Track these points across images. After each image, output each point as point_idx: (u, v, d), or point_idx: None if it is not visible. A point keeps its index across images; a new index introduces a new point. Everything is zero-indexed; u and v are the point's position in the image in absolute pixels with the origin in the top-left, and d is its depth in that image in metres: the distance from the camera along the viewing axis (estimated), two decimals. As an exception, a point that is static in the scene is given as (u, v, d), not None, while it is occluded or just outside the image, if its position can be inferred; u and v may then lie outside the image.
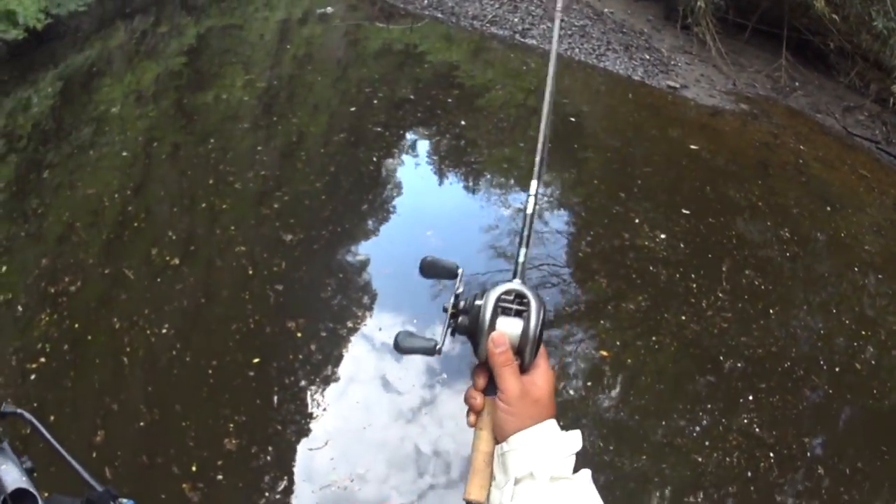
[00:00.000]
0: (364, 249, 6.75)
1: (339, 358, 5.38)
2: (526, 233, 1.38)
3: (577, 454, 1.19)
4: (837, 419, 6.00)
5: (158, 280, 5.81)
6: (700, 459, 5.19)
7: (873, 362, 6.52)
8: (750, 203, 8.15)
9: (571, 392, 5.46)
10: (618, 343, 6.00)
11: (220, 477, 4.34)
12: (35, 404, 4.57)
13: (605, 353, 5.84)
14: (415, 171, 8.40)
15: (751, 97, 11.06)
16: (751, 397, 5.79)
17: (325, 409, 4.94)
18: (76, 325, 5.27)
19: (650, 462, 5.07)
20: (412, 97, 10.07)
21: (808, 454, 5.55)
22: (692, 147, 9.12)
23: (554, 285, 6.48)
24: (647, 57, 11.45)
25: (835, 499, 5.14)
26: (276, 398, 4.95)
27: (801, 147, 9.70)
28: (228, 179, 7.22)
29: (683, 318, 6.26)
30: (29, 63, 9.20)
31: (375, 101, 9.87)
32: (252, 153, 8.02)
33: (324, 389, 5.13)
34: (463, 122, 9.43)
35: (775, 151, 9.50)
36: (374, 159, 8.30)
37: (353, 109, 9.83)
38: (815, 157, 9.59)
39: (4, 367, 4.84)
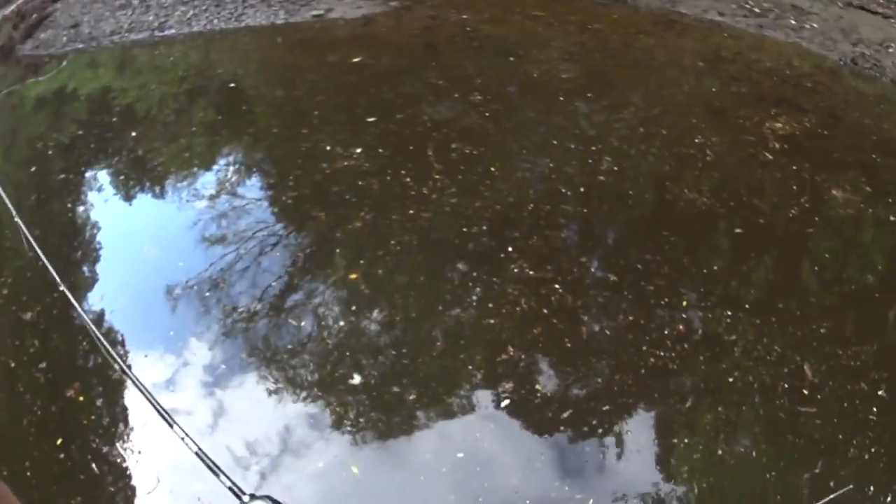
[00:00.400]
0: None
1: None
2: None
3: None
4: (604, 231, 6.45)
5: None
6: (494, 321, 5.33)
7: (615, 168, 6.95)
8: (431, 86, 8.28)
9: (340, 330, 5.42)
10: (362, 262, 5.93)
11: None
12: None
13: (353, 276, 5.78)
14: (104, 205, 7.88)
15: None
16: (510, 249, 5.93)
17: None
18: None
19: (450, 345, 5.22)
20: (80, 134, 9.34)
21: (592, 270, 5.88)
22: (354, 61, 9.07)
23: (276, 245, 6.32)
24: None
25: (636, 291, 5.56)
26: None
27: (464, 16, 9.94)
28: None
29: (412, 211, 6.32)
30: None
31: (49, 155, 9.00)
32: None
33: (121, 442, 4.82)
34: (133, 134, 8.89)
35: (438, 31, 9.70)
36: (66, 211, 7.82)
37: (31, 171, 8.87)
38: (481, 19, 9.93)
39: None
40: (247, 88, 9.37)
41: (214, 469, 2.14)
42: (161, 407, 2.29)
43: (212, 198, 7.22)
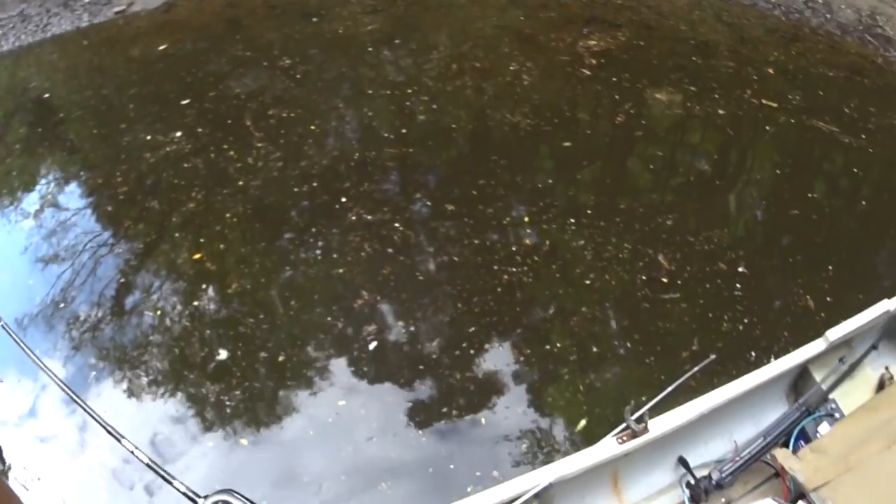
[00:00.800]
0: None
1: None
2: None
3: None
4: (433, 166, 6.66)
5: None
6: (343, 270, 5.48)
7: (434, 106, 7.22)
8: (238, 59, 8.28)
9: (196, 311, 5.42)
10: (202, 241, 5.93)
11: None
12: None
13: (197, 255, 5.79)
14: None
15: None
16: (344, 199, 6.08)
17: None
18: None
19: (306, 301, 5.32)
20: None
21: (429, 204, 6.06)
22: (160, 49, 8.92)
23: (112, 246, 6.24)
24: (87, 0, 10.44)
25: (476, 216, 5.78)
26: None
27: None
28: None
29: (241, 182, 6.36)
30: None
31: None
32: None
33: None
34: None
35: (240, 5, 9.70)
36: None
37: None
38: None
39: None
40: (58, 99, 9.10)
41: (167, 477, 2.15)
42: (104, 422, 2.30)
43: (37, 215, 7.03)
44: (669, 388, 2.86)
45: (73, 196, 7.37)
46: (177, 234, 6.02)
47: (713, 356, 3.15)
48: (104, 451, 4.63)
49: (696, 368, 3.02)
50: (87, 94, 8.89)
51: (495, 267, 5.32)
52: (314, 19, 8.88)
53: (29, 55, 10.69)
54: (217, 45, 8.79)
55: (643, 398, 3.13)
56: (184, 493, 2.09)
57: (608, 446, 2.78)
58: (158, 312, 5.46)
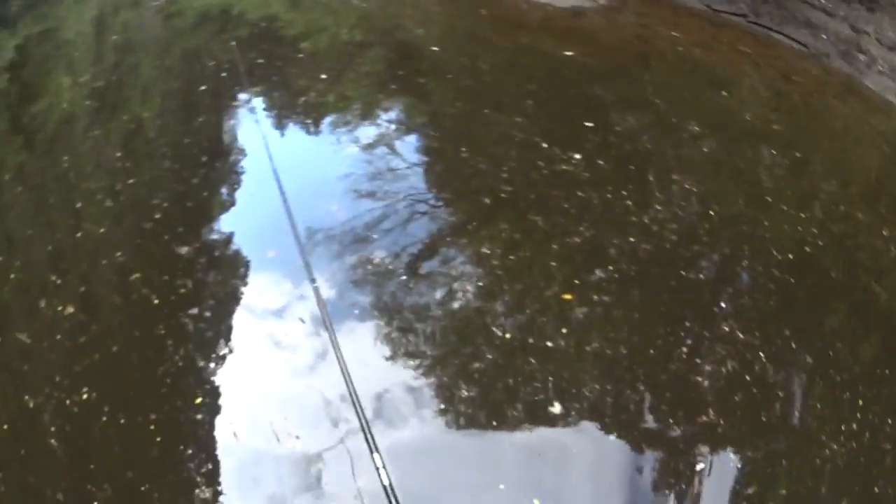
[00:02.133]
0: (227, 220, 6.48)
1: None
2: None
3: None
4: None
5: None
6: (698, 378, 4.92)
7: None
8: (649, 104, 7.82)
9: (553, 351, 5.00)
10: (577, 282, 5.52)
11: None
12: None
13: (567, 296, 5.36)
14: (256, 129, 8.06)
15: None
16: (723, 305, 5.60)
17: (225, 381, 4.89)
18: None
19: (654, 394, 4.86)
20: (238, 60, 9.48)
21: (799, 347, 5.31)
22: (567, 54, 8.72)
23: (428, 218, 6.38)
24: None
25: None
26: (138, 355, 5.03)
27: (674, 34, 9.46)
28: (77, 183, 7.06)
29: (632, 239, 5.90)
30: None
31: (201, 70, 9.55)
32: (94, 151, 7.74)
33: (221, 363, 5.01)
34: (291, 71, 9.27)
35: (651, 43, 9.27)
36: (213, 128, 8.06)
37: (181, 83, 9.40)
38: (691, 41, 9.37)
39: None
40: (426, 49, 9.35)
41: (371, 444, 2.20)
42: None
43: (368, 148, 7.28)
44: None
45: (410, 148, 7.41)
46: (553, 264, 5.69)
47: None
48: (325, 383, 4.69)
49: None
50: (463, 61, 8.90)
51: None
52: (723, 93, 8.43)
53: None
54: (626, 78, 8.41)
55: None
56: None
57: None
58: (457, 300, 5.36)
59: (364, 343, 5.01)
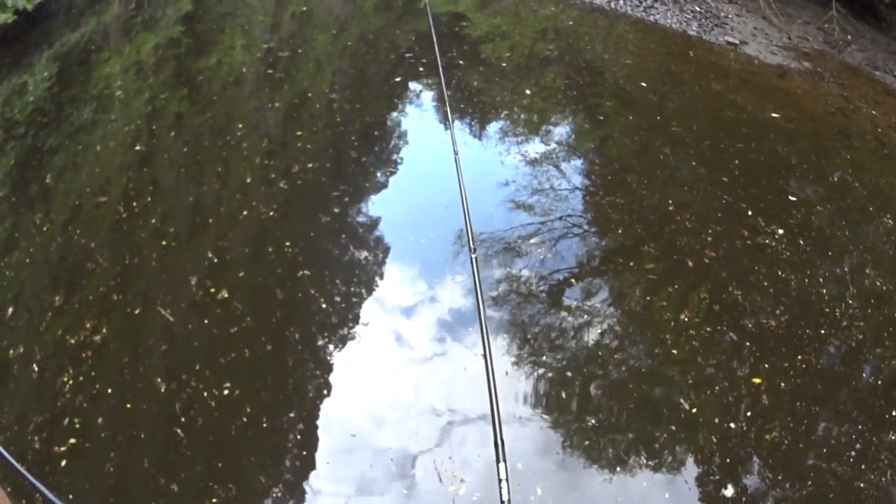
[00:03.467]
0: (376, 205, 6.84)
1: (356, 316, 5.57)
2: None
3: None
4: None
5: (167, 257, 5.95)
6: (862, 485, 4.81)
7: None
8: (848, 187, 7.75)
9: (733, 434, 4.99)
10: (766, 366, 5.49)
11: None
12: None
13: (757, 380, 5.35)
14: (421, 123, 8.49)
15: (808, 53, 10.62)
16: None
17: (343, 363, 5.13)
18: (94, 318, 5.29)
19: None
20: (415, 49, 10.03)
21: None
22: (773, 115, 8.67)
23: (585, 244, 6.59)
24: (698, 9, 10.88)
25: None
26: (294, 358, 5.15)
27: (874, 112, 9.38)
28: (235, 144, 7.32)
29: (822, 331, 5.85)
30: (22, 46, 9.09)
31: (377, 55, 9.95)
32: (257, 116, 8.07)
33: (341, 345, 5.28)
34: (470, 73, 9.39)
35: (852, 118, 9.16)
36: (377, 114, 8.38)
37: (355, 64, 9.76)
38: (889, 124, 9.12)
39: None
40: (612, 77, 9.38)
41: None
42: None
43: (533, 163, 7.50)
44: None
45: (577, 171, 7.61)
46: (747, 343, 5.59)
47: None
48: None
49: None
50: (656, 98, 8.99)
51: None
52: None
53: (627, 26, 11.03)
54: (827, 152, 8.32)
55: None
56: None
57: None
58: (592, 336, 5.52)
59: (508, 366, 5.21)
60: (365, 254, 6.14)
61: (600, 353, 5.32)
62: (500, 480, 2.06)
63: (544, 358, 5.29)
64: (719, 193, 7.07)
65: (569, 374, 5.15)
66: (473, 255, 3.11)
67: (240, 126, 7.73)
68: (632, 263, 6.20)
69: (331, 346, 5.28)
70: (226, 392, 4.74)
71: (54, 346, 4.96)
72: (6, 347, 4.99)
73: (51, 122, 7.59)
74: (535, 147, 7.83)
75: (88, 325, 5.15)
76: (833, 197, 7.47)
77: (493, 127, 8.40)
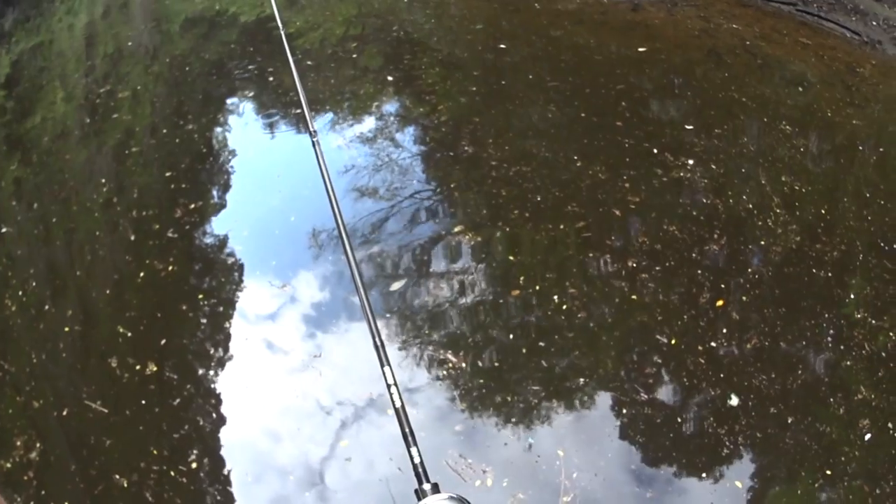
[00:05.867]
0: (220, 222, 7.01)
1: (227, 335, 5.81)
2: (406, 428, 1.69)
3: None
4: None
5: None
6: None
7: None
8: (737, 103, 8.29)
9: None
10: None
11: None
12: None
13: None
14: (245, 132, 8.77)
15: None
16: None
17: (224, 385, 5.35)
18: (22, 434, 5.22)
19: None
20: (230, 60, 10.56)
21: None
22: (640, 50, 9.20)
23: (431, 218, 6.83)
24: None
25: None
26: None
27: (735, 25, 9.99)
28: (72, 196, 7.51)
29: (762, 242, 6.21)
30: None
31: (192, 75, 10.25)
32: (88, 164, 8.35)
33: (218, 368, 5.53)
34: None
35: (716, 37, 9.75)
36: (204, 132, 8.65)
37: (171, 90, 10.05)
38: (754, 35, 9.80)
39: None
40: (429, 43, 10.00)
41: (409, 439, 1.92)
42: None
43: (369, 141, 7.93)
44: None
45: (410, 139, 8.03)
46: (699, 272, 6.13)
47: None
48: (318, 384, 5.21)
49: None
50: (518, 58, 9.40)
51: None
52: (800, 88, 8.81)
53: None
54: (706, 77, 8.84)
55: None
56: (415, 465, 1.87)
57: None
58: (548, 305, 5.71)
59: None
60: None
61: (563, 319, 5.53)
62: (388, 386, 2.02)
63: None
64: (619, 139, 7.43)
65: (533, 343, 5.37)
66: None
67: (75, 177, 8.05)
68: (562, 226, 6.35)
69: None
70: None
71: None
72: None
73: None
74: (367, 125, 8.37)
75: (19, 444, 5.01)
76: (727, 116, 7.97)
77: (323, 116, 8.77)
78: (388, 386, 2.04)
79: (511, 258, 6.23)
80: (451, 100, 8.66)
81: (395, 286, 5.92)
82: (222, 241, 6.73)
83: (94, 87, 10.41)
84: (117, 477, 4.70)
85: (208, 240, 6.77)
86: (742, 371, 5.14)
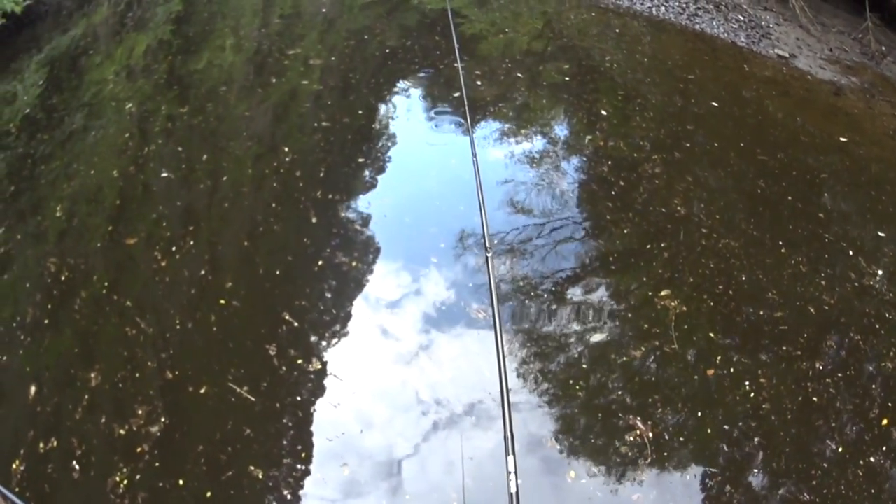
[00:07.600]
0: (364, 202, 7.40)
1: (347, 313, 6.14)
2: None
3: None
4: None
5: (163, 260, 6.35)
6: None
7: None
8: None
9: None
10: None
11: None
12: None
13: None
14: (408, 121, 9.19)
15: (850, 66, 11.41)
16: None
17: (329, 361, 5.60)
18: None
19: None
20: (404, 45, 10.89)
21: None
22: (842, 140, 9.41)
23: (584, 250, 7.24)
24: (741, 17, 11.55)
25: None
26: (282, 357, 5.57)
27: None
28: (226, 145, 7.92)
29: None
30: (11, 50, 9.45)
31: (365, 52, 10.60)
32: (247, 116, 8.69)
33: (328, 343, 5.82)
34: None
35: None
36: (366, 111, 9.09)
37: (343, 61, 10.42)
38: None
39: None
40: (625, 80, 10.11)
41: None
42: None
43: (535, 162, 8.30)
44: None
45: (575, 167, 8.36)
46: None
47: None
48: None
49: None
50: (731, 123, 9.52)
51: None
52: None
53: (673, 34, 11.65)
54: (892, 178, 8.97)
55: None
56: None
57: None
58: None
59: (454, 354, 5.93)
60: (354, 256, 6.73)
61: (749, 407, 5.86)
62: (508, 473, 2.25)
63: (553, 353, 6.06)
64: (820, 231, 7.74)
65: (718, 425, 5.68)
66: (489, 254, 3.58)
67: (230, 127, 8.46)
68: (762, 312, 6.74)
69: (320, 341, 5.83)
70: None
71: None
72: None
73: (42, 129, 8.05)
74: (536, 143, 8.79)
75: (140, 412, 5.11)
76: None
77: (486, 125, 9.10)
78: (508, 473, 2.32)
79: (712, 335, 6.46)
80: (623, 139, 8.97)
81: (596, 338, 6.21)
82: (365, 220, 7.16)
83: (265, 42, 10.88)
84: (252, 468, 4.87)
85: (351, 215, 7.21)
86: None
